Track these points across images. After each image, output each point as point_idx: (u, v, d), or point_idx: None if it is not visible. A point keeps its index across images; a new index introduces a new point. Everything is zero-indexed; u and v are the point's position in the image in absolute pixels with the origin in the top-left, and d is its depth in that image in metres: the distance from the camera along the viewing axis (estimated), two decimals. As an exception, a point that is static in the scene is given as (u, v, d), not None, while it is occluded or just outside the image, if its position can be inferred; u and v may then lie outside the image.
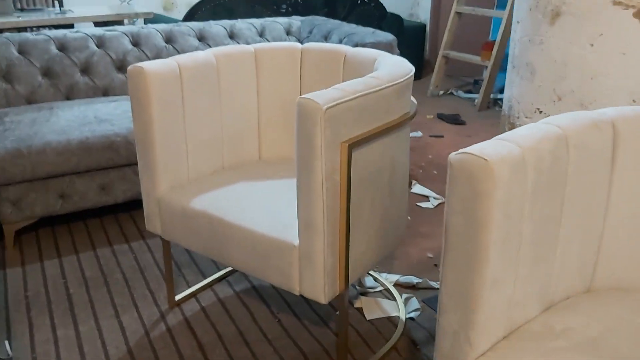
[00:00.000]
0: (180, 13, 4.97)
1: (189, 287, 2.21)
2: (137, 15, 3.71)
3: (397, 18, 5.30)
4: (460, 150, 1.03)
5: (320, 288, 1.52)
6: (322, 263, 1.49)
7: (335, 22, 3.44)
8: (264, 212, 1.67)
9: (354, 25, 3.32)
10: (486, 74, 4.57)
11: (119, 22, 3.78)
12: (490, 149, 1.02)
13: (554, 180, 1.14)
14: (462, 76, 5.58)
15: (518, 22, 1.68)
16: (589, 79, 1.51)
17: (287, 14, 4.58)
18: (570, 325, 1.19)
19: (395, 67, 1.63)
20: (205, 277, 2.27)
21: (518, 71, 1.69)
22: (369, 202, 1.58)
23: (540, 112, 1.63)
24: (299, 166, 1.43)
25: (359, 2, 5.00)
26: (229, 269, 2.31)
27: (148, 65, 1.72)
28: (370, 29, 3.18)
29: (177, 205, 1.79)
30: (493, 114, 4.49)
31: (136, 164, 2.59)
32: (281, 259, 1.55)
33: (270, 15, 4.47)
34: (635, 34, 1.43)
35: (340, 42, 3.17)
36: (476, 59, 4.74)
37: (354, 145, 1.44)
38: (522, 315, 1.20)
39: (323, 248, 1.47)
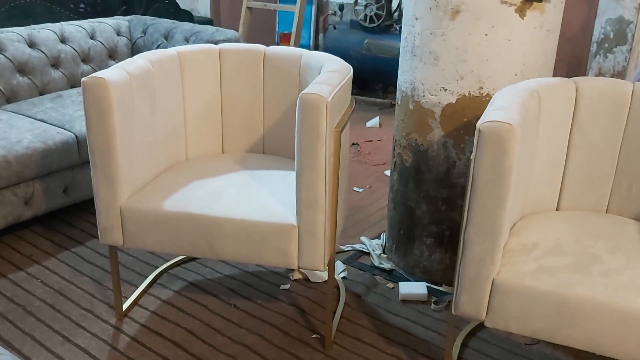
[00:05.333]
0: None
1: (125, 297, 2.19)
2: None
3: (187, 13, 5.39)
4: (486, 119, 1.38)
5: (320, 258, 1.74)
6: (322, 236, 1.72)
7: (168, 22, 3.48)
8: (243, 202, 1.81)
9: (191, 24, 3.41)
10: (287, 63, 4.98)
11: None
12: (507, 117, 1.38)
13: (532, 133, 1.56)
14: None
15: (417, 19, 2.08)
16: (484, 61, 1.98)
17: (86, 13, 4.37)
18: (534, 240, 1.64)
19: (339, 63, 1.90)
20: (135, 286, 2.26)
21: (420, 58, 2.10)
22: (343, 179, 1.84)
23: (445, 89, 2.06)
24: (302, 153, 1.63)
25: (153, -1, 4.97)
26: (157, 272, 2.33)
27: (107, 74, 1.70)
28: (213, 27, 3.32)
29: (147, 211, 1.81)
30: (299, 99, 4.94)
31: (14, 185, 2.39)
32: (281, 240, 1.73)
33: (70, 17, 4.22)
34: (517, 25, 1.93)
35: (187, 41, 3.26)
36: (274, 49, 5.12)
37: (341, 130, 1.69)
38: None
39: (324, 222, 1.70)
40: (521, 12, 1.93)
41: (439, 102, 2.09)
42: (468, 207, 1.47)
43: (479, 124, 1.39)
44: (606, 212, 1.88)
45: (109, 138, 1.74)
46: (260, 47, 2.17)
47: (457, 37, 1.99)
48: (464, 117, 2.07)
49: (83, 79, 1.69)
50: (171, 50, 2.07)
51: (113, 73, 1.74)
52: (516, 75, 2.00)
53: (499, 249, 1.47)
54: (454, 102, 2.06)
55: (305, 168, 1.65)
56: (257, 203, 1.80)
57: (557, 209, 1.90)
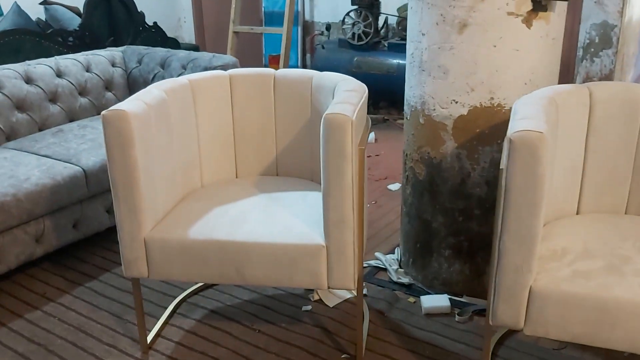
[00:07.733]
0: None
1: (147, 329, 2.16)
2: None
3: (174, 41, 5.40)
4: (516, 129, 1.40)
5: (350, 276, 1.75)
6: (352, 254, 1.72)
7: (163, 50, 3.49)
8: (268, 225, 1.81)
9: (186, 52, 3.42)
10: (278, 85, 5.00)
11: None
12: (537, 125, 1.41)
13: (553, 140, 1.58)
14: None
15: (423, 34, 2.11)
16: (494, 72, 2.02)
17: (74, 46, 4.36)
18: (562, 246, 1.66)
19: (354, 82, 1.92)
20: (155, 317, 2.23)
21: (429, 73, 2.12)
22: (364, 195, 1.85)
23: (456, 102, 2.09)
24: (329, 173, 1.64)
25: (141, 28, 4.98)
26: (176, 301, 2.30)
27: (126, 106, 1.70)
28: (209, 54, 3.33)
29: (172, 240, 1.80)
30: (292, 119, 4.95)
31: (25, 223, 2.36)
32: (310, 261, 1.73)
33: (59, 51, 4.21)
34: (524, 35, 1.97)
35: (185, 68, 3.26)
36: (264, 72, 5.14)
37: (364, 148, 1.71)
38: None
39: (353, 240, 1.70)
40: (528, 22, 1.97)
41: (451, 115, 2.12)
42: (502, 216, 1.48)
43: (509, 134, 1.41)
44: (625, 213, 1.91)
45: (131, 170, 1.73)
46: (270, 70, 2.19)
47: (465, 50, 2.02)
48: (476, 128, 2.09)
49: (103, 112, 1.69)
50: (183, 79, 2.07)
51: (132, 104, 1.73)
52: (525, 84, 2.04)
53: (534, 257, 1.48)
54: (465, 113, 2.09)
55: (333, 187, 1.65)
56: (281, 225, 1.80)
57: (577, 213, 1.92)
